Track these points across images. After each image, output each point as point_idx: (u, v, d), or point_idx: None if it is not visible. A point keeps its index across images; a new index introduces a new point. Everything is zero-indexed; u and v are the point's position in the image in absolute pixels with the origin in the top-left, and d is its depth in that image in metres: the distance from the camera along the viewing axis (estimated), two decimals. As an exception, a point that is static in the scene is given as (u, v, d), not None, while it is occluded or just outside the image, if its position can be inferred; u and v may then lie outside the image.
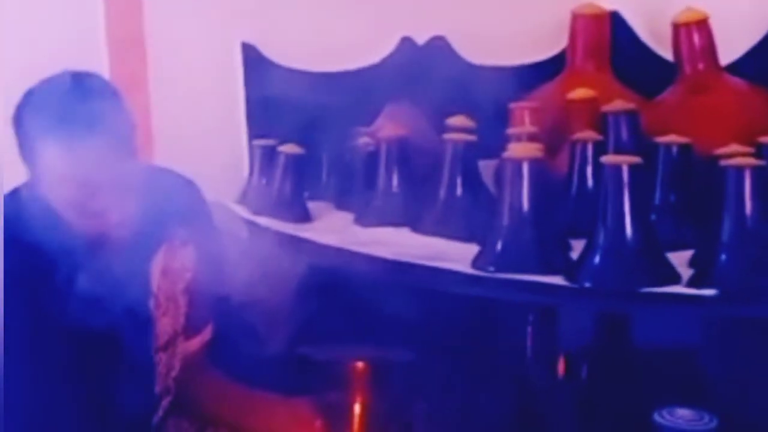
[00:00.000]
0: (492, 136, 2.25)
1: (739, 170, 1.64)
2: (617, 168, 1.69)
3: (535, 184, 1.79)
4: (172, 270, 1.58)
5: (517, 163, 1.80)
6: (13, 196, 1.49)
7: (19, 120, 1.41)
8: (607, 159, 1.73)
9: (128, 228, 1.45)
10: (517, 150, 1.83)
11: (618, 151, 2.10)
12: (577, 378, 1.61)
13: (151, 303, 1.54)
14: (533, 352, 1.62)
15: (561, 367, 1.56)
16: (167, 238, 1.57)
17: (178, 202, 1.59)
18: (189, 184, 1.67)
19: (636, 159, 1.71)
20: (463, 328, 1.70)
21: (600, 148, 2.07)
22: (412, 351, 1.68)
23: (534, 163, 1.80)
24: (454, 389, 1.70)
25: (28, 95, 1.42)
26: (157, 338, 1.56)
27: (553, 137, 2.29)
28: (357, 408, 1.51)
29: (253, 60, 2.38)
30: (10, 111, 1.44)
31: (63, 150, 1.38)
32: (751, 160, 1.66)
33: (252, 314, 1.98)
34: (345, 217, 2.21)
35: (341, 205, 2.27)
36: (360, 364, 1.52)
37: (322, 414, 1.57)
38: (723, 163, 1.66)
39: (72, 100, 1.38)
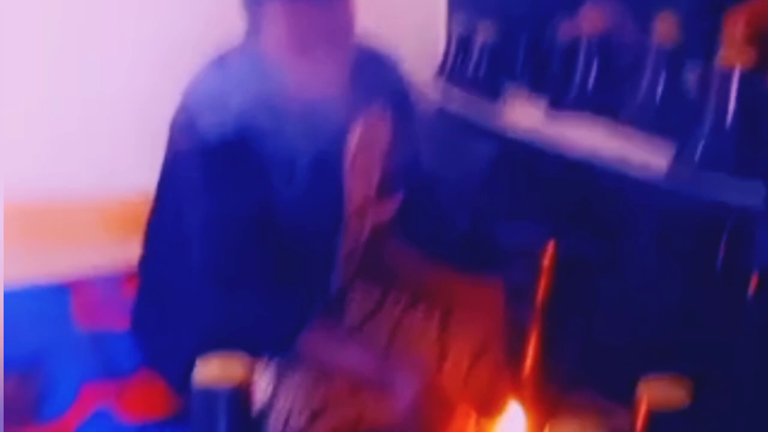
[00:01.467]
0: (698, 39, 2.17)
1: None
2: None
3: (743, 91, 1.73)
4: (369, 139, 1.63)
5: (728, 70, 1.73)
6: (226, 56, 1.54)
7: None
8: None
9: (336, 94, 1.49)
10: (728, 55, 1.76)
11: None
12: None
13: (346, 169, 1.59)
14: (724, 264, 1.59)
15: (753, 284, 1.53)
16: (369, 109, 1.61)
17: (382, 76, 1.63)
18: (393, 60, 1.69)
19: None
20: (651, 231, 1.68)
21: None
22: (596, 244, 1.68)
23: (745, 70, 1.73)
24: (632, 291, 1.70)
25: None
26: (350, 202, 1.61)
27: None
28: (540, 293, 1.53)
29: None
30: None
31: (288, 9, 1.42)
32: None
33: (441, 188, 2.02)
34: (538, 105, 2.19)
35: (535, 91, 2.25)
36: (549, 250, 1.53)
37: (506, 295, 1.60)
38: None
39: None
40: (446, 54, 2.33)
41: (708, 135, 1.74)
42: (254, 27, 1.50)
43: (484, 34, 2.20)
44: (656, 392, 1.25)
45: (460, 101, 2.16)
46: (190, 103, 1.53)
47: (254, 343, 1.47)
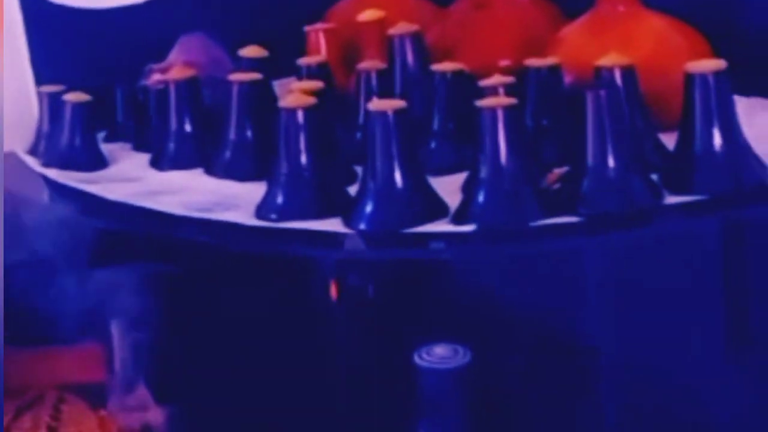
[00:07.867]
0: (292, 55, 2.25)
1: (492, 111, 1.69)
2: (383, 114, 1.73)
3: (309, 131, 1.82)
4: None
5: (291, 112, 1.82)
6: None
7: None
8: (373, 105, 1.76)
9: None
10: (289, 99, 1.85)
11: (405, 75, 2.13)
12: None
13: None
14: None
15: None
16: None
17: None
18: None
19: (401, 104, 1.75)
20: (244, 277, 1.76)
21: (386, 75, 2.10)
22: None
23: (308, 111, 1.82)
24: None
25: None
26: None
27: (354, 59, 2.29)
28: None
29: (31, 3, 2.30)
30: None
31: None
32: (503, 100, 1.71)
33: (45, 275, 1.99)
34: (142, 159, 2.19)
35: (139, 146, 2.25)
36: None
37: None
38: (477, 103, 1.71)
39: None
40: (40, 124, 2.27)
41: (285, 180, 1.82)
42: None
43: (72, 101, 2.16)
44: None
45: (56, 173, 2.13)
46: None
47: None
